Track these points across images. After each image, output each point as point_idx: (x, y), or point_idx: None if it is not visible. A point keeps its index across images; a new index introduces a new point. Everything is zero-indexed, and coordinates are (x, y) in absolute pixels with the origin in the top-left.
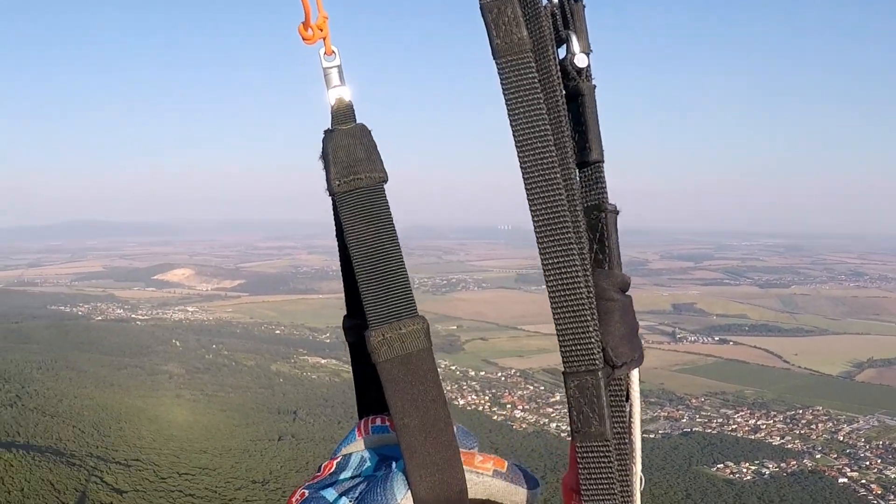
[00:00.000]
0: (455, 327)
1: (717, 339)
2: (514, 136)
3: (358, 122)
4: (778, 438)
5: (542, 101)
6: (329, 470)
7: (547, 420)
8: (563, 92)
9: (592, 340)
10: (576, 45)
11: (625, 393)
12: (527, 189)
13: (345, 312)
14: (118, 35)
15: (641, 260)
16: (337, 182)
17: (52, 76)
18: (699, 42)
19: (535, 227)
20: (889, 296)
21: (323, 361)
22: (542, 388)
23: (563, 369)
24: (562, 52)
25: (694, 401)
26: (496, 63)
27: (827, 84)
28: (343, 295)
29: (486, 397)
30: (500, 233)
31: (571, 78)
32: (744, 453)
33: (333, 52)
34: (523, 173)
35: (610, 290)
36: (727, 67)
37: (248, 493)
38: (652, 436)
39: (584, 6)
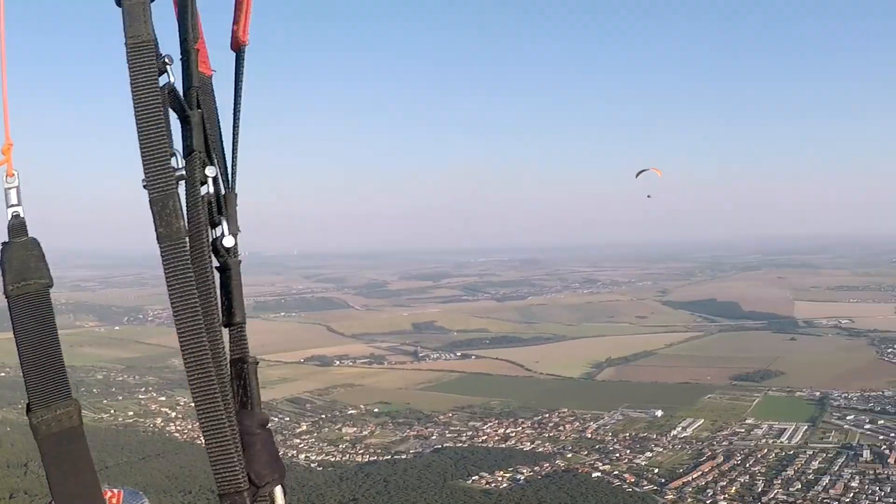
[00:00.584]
0: None
1: (459, 354)
2: (171, 305)
3: (31, 235)
4: (528, 444)
5: (192, 278)
6: None
7: (295, 452)
8: (213, 266)
9: (237, 468)
10: (226, 228)
11: None
12: (181, 349)
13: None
14: None
15: (381, 282)
16: (10, 287)
17: None
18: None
19: (188, 380)
20: (621, 299)
21: None
22: (288, 419)
23: (218, 492)
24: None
25: (442, 417)
26: (160, 248)
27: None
28: None
29: None
30: None
31: (221, 255)
32: (497, 462)
33: (14, 174)
34: (179, 337)
35: (252, 426)
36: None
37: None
38: (404, 456)
39: (236, 195)
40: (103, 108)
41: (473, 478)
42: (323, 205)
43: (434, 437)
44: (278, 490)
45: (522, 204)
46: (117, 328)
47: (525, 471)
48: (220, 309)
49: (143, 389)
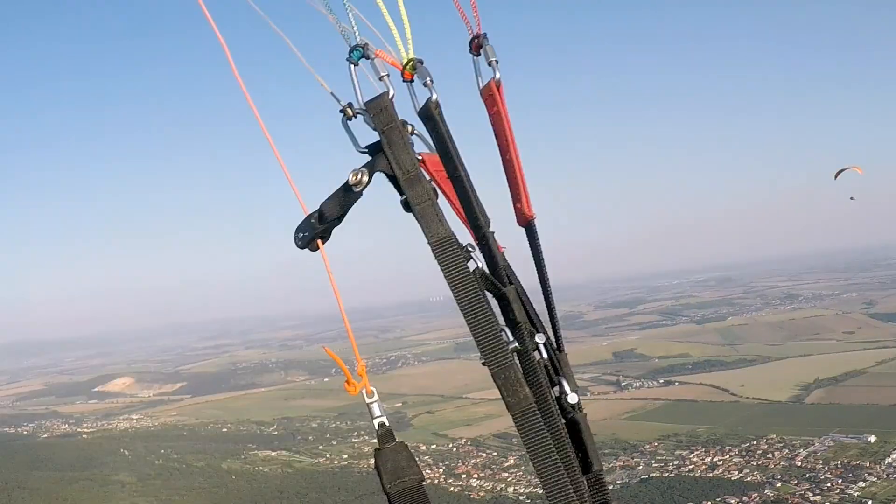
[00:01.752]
0: (400, 404)
1: (661, 381)
2: (533, 465)
3: (398, 440)
4: (736, 472)
5: (548, 438)
6: None
7: (504, 485)
8: (563, 423)
9: None
10: (566, 386)
11: None
12: (548, 500)
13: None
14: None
15: (577, 313)
16: (389, 485)
17: None
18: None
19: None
20: (825, 314)
21: (273, 454)
22: (495, 453)
23: None
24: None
25: (648, 446)
26: (512, 416)
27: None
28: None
29: (440, 470)
30: (433, 304)
31: (567, 411)
32: (704, 492)
33: (373, 391)
34: (546, 494)
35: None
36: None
37: None
38: (610, 487)
39: (566, 354)
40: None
41: None
42: (512, 242)
43: (640, 467)
44: None
45: (712, 219)
46: (326, 380)
47: (733, 501)
48: (577, 461)
49: (355, 434)
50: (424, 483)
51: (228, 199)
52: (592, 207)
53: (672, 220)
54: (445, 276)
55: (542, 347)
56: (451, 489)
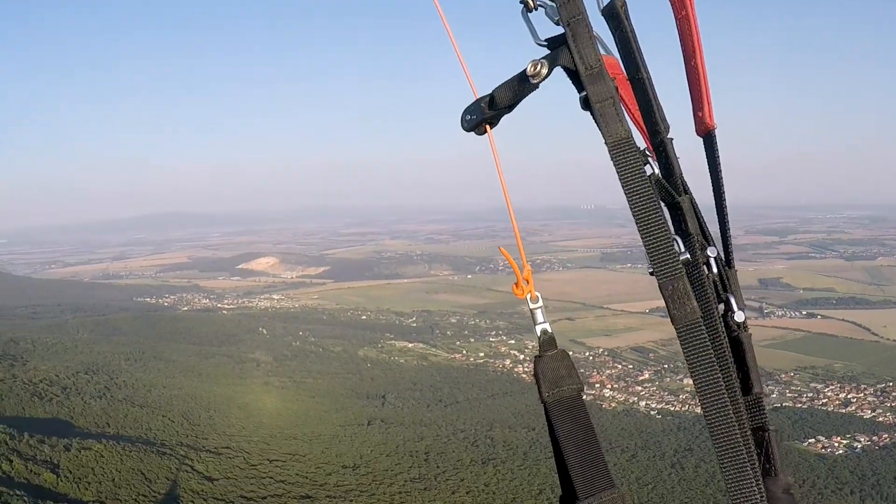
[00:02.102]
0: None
1: (804, 313)
2: (693, 381)
3: (559, 348)
4: (869, 412)
5: (711, 354)
6: None
7: (636, 398)
8: (728, 341)
9: None
10: (734, 304)
11: None
12: (707, 422)
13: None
14: (183, 20)
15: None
16: (547, 394)
17: (131, 66)
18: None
19: (716, 452)
20: None
21: (410, 346)
22: (631, 366)
23: None
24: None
25: (784, 376)
26: (676, 329)
27: None
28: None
29: None
30: (583, 212)
31: (732, 329)
32: (835, 427)
33: (537, 297)
34: (703, 410)
35: (777, 492)
36: (810, 36)
37: (339, 479)
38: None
39: (736, 271)
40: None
41: (809, 440)
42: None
43: (774, 396)
44: None
45: (869, 156)
46: (469, 277)
47: (863, 439)
48: (737, 381)
49: (493, 333)
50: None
51: (388, 88)
52: (757, 124)
53: (837, 147)
54: (620, 179)
55: (712, 262)
56: (585, 397)
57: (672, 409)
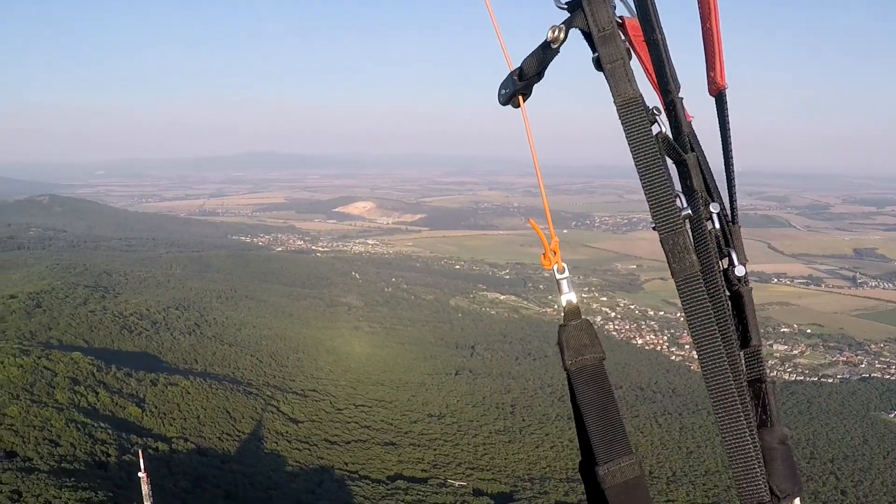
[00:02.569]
0: (635, 266)
1: None
2: (691, 333)
3: (583, 317)
4: None
5: (709, 307)
6: None
7: None
8: (727, 295)
9: (761, 482)
10: (735, 259)
11: None
12: (704, 374)
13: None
14: None
15: (823, 204)
16: (570, 361)
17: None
18: None
19: (711, 402)
20: None
21: (502, 297)
22: None
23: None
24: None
25: (874, 346)
26: (675, 282)
27: None
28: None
29: (665, 337)
30: None
31: (734, 284)
32: None
33: (564, 267)
34: (700, 362)
35: (772, 442)
36: None
37: (424, 427)
38: (830, 380)
39: (739, 227)
40: None
41: None
42: (771, 124)
43: (863, 366)
44: (797, 502)
45: None
46: (565, 231)
47: None
48: (736, 334)
49: (586, 289)
50: (605, 362)
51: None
52: (863, 95)
53: None
54: (627, 137)
55: (715, 217)
56: (673, 357)
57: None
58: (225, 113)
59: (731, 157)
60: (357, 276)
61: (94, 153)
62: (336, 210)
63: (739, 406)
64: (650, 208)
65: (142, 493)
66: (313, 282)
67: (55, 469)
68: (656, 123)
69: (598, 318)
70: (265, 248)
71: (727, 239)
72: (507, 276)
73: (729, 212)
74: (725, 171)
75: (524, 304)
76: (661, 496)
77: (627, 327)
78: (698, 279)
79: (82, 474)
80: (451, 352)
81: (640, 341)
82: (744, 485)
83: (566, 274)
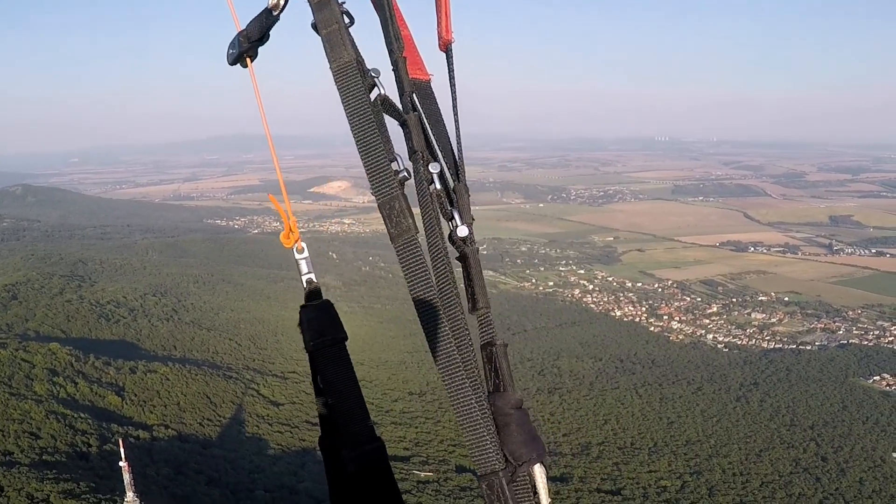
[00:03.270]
0: (612, 238)
1: (874, 251)
2: (413, 299)
3: (324, 298)
4: None
5: (428, 271)
6: None
7: (703, 331)
8: (448, 258)
9: (490, 449)
10: (458, 219)
11: (530, 486)
12: (427, 339)
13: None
14: None
15: (799, 172)
16: (311, 343)
17: None
18: None
19: (438, 369)
20: None
21: None
22: (699, 299)
23: (476, 473)
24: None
25: (851, 313)
26: (394, 248)
27: None
28: None
29: (643, 308)
30: (658, 144)
31: (458, 245)
32: None
33: (303, 247)
34: (423, 328)
35: (506, 408)
36: None
37: (405, 405)
38: (808, 348)
39: (465, 186)
40: None
41: (875, 378)
42: (747, 94)
43: (841, 332)
44: (537, 468)
45: None
46: (541, 205)
47: None
48: (463, 297)
49: (563, 262)
50: (348, 343)
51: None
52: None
53: None
54: (343, 103)
55: (436, 178)
56: (652, 329)
57: (739, 342)
58: (197, 96)
59: (457, 112)
60: (334, 255)
61: (67, 142)
62: (311, 190)
63: (463, 373)
64: (367, 173)
65: (123, 483)
66: (290, 263)
67: (36, 462)
68: (377, 86)
69: (577, 291)
70: (241, 231)
71: (451, 198)
72: (485, 252)
73: (454, 171)
74: (455, 126)
75: (502, 279)
76: (643, 467)
77: (605, 299)
78: (415, 244)
79: (64, 466)
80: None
81: (618, 313)
82: (475, 453)
83: (305, 254)
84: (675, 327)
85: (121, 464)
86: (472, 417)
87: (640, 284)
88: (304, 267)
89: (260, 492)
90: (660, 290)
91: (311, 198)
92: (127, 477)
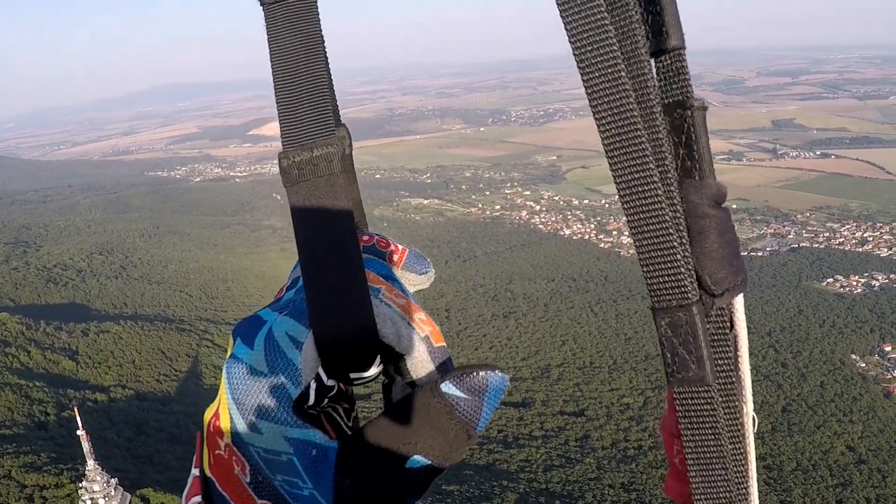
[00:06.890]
0: (555, 157)
1: (818, 153)
2: (564, 24)
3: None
4: (886, 250)
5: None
6: (281, 294)
7: None
8: None
9: (682, 269)
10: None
11: (728, 324)
12: (586, 88)
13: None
14: None
15: (738, 78)
16: None
17: None
18: None
19: (601, 137)
20: None
21: (425, 202)
22: None
23: (650, 305)
24: None
25: (800, 216)
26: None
27: None
28: None
29: (592, 225)
30: None
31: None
32: (852, 266)
33: None
34: (579, 68)
35: (702, 205)
36: None
37: None
38: (760, 254)
39: None
40: None
41: (828, 280)
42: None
43: (791, 237)
44: (739, 301)
45: None
46: (482, 129)
47: (880, 278)
48: (644, 27)
49: (508, 185)
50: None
51: None
52: None
53: None
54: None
55: None
56: (602, 245)
57: None
58: (126, 49)
59: None
60: (279, 196)
61: (1, 108)
62: (250, 133)
63: (646, 141)
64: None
65: (83, 451)
66: (235, 208)
67: None
68: None
69: (524, 213)
70: (183, 181)
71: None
72: (429, 180)
73: None
74: None
75: (448, 206)
76: (605, 385)
77: (553, 219)
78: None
79: (23, 438)
80: None
81: (567, 232)
82: (656, 273)
83: None
84: (626, 242)
85: (78, 432)
86: (660, 218)
87: (586, 201)
88: None
89: None
90: (607, 205)
91: (251, 140)
92: (86, 445)
